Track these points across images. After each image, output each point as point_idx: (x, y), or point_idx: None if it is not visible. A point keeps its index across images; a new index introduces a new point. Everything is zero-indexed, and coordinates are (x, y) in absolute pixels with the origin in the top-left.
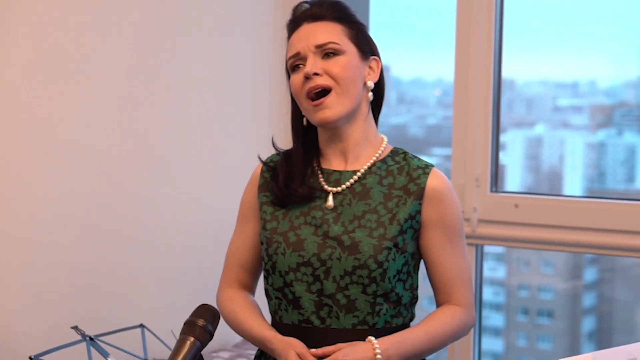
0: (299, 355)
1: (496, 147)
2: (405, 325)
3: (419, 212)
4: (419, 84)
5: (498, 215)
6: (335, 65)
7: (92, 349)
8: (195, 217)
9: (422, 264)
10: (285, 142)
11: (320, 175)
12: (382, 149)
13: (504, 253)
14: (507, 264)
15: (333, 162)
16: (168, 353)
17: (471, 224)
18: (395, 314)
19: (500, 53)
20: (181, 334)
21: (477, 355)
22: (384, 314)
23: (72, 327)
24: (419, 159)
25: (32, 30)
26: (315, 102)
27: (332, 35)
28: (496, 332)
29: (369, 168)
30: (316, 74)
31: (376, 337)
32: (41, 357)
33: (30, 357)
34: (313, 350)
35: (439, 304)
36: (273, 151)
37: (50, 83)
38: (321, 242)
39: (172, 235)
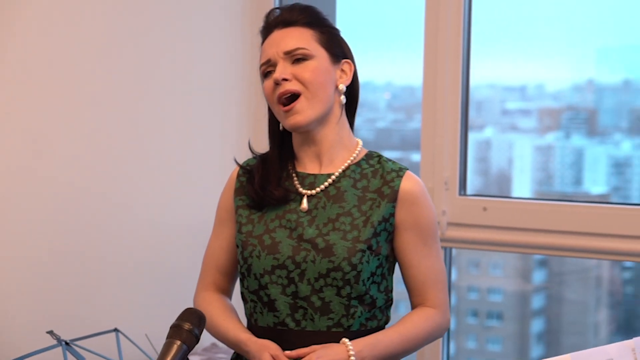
0: (273, 357)
1: (465, 150)
2: (380, 328)
3: (392, 214)
4: (369, 88)
5: (467, 219)
6: (304, 70)
7: (67, 353)
8: (169, 221)
9: (397, 266)
10: (257, 145)
11: (295, 179)
12: (356, 152)
13: (454, 255)
14: (456, 266)
15: (308, 165)
16: (143, 357)
17: (440, 227)
18: (370, 316)
19: (468, 56)
20: (167, 337)
21: (446, 358)
22: (359, 317)
23: (48, 332)
24: (393, 162)
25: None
26: (286, 108)
27: (301, 40)
28: (446, 334)
29: (343, 171)
30: (285, 80)
31: (351, 340)
32: None
33: None
34: (287, 352)
35: (413, 306)
36: (244, 155)
37: (30, 84)
38: (296, 244)
39: (146, 239)
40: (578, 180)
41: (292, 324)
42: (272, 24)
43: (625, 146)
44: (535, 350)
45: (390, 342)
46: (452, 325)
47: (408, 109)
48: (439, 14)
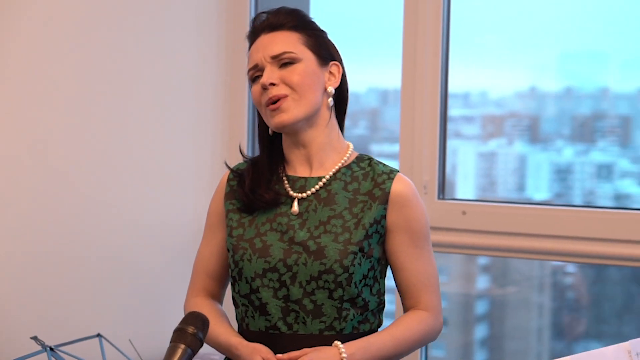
0: None
1: (443, 154)
2: (373, 332)
3: (384, 216)
4: None
5: (446, 222)
6: (292, 73)
7: (52, 359)
8: (152, 226)
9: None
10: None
11: (286, 182)
12: (347, 155)
13: None
14: None
15: (298, 168)
16: None
17: None
18: (362, 320)
19: (447, 62)
20: (171, 341)
21: None
22: (351, 320)
23: (32, 338)
24: (384, 164)
25: None
26: (273, 106)
27: (287, 44)
28: None
29: (334, 174)
30: (272, 84)
31: (343, 343)
32: None
33: None
34: (279, 355)
35: (406, 309)
36: (217, 159)
37: (8, 86)
38: (287, 247)
39: (129, 244)
40: (521, 187)
41: (284, 328)
42: (259, 28)
43: (567, 153)
44: (479, 355)
45: (383, 345)
46: None
47: (352, 115)
48: (417, 23)
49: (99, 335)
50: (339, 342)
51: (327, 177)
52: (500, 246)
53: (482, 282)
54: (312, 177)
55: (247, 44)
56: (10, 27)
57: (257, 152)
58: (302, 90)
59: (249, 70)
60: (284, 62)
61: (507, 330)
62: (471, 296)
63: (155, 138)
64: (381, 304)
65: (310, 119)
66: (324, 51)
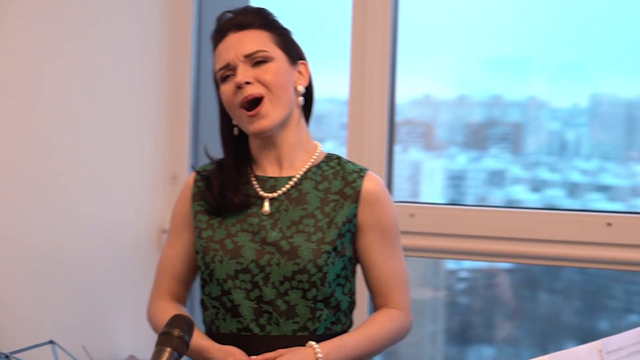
0: None
1: (390, 160)
2: (344, 332)
3: (355, 215)
4: None
5: None
6: (265, 72)
7: None
8: (103, 233)
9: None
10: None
11: (255, 183)
12: (316, 154)
13: None
14: None
15: (267, 168)
16: None
17: None
18: (335, 320)
19: (394, 70)
20: (157, 345)
21: None
22: (325, 320)
23: None
24: (353, 163)
25: None
26: (251, 113)
27: (259, 43)
28: None
29: (305, 173)
30: (248, 83)
31: (316, 343)
32: None
33: None
34: (254, 357)
35: (376, 308)
36: (160, 162)
37: None
38: (259, 248)
39: (81, 251)
40: (415, 193)
41: (256, 329)
42: (226, 27)
43: (461, 159)
44: None
45: (357, 344)
46: None
47: None
48: (366, 31)
49: (51, 342)
50: (313, 342)
51: (298, 176)
52: (449, 248)
53: None
54: (283, 177)
55: (191, 43)
56: None
57: (200, 154)
58: (277, 89)
59: (219, 69)
60: (257, 60)
61: None
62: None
63: (96, 142)
64: (352, 304)
65: (284, 120)
66: (293, 50)
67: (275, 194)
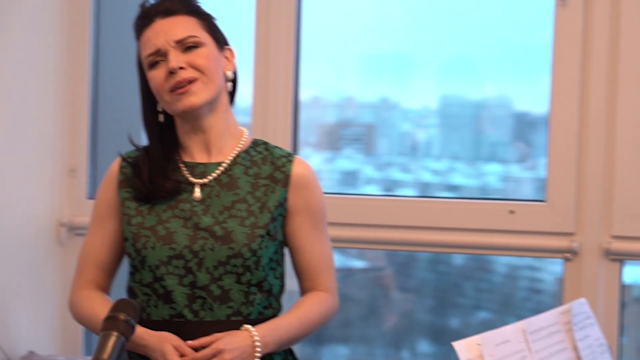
0: (175, 348)
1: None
2: (275, 317)
3: (286, 199)
4: None
5: None
6: (198, 57)
7: None
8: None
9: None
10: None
11: (184, 169)
12: (244, 140)
13: None
14: None
15: (196, 154)
16: None
17: None
18: (267, 305)
19: (297, 73)
20: (102, 330)
21: None
22: (258, 304)
23: None
24: (280, 148)
25: None
26: (182, 90)
27: (189, 28)
28: None
29: (234, 159)
30: (181, 68)
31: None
32: None
33: None
34: (190, 342)
35: (304, 291)
36: (58, 161)
37: None
38: (192, 234)
39: None
40: None
41: (189, 315)
42: (152, 13)
43: (315, 160)
44: None
45: (290, 327)
46: None
47: None
48: (270, 36)
49: None
50: (249, 326)
51: (228, 162)
52: (349, 237)
53: None
54: (212, 163)
55: (89, 33)
56: None
57: (99, 146)
58: (209, 73)
59: (149, 55)
60: (188, 46)
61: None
62: None
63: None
64: (282, 288)
65: (212, 104)
66: (219, 36)
67: (205, 180)
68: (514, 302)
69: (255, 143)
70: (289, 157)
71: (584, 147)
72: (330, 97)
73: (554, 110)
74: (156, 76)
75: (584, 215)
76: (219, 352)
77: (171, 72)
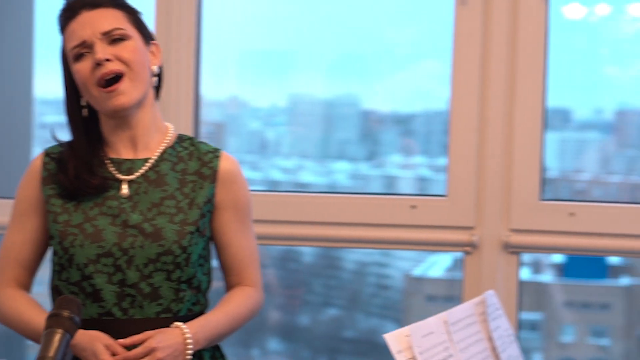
0: (106, 347)
1: None
2: (203, 313)
3: (214, 194)
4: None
5: None
6: (124, 50)
7: None
8: None
9: None
10: None
11: (110, 165)
12: (169, 135)
13: None
14: None
15: (122, 151)
16: None
17: None
18: (195, 301)
19: (198, 70)
20: (46, 328)
21: None
22: (187, 301)
23: None
24: (206, 143)
25: None
26: (110, 89)
27: (116, 21)
28: None
29: (161, 155)
30: (108, 60)
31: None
32: None
33: None
34: (121, 340)
35: (230, 286)
36: None
37: None
38: (121, 231)
39: None
40: None
41: (118, 313)
42: (78, 5)
43: None
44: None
45: (219, 323)
46: None
47: None
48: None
49: None
50: (180, 323)
51: (155, 158)
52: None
53: None
54: (139, 159)
55: None
56: None
57: None
58: (137, 67)
59: (74, 47)
60: (115, 38)
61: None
62: None
63: None
64: (209, 284)
65: (141, 99)
66: (145, 30)
67: (133, 177)
68: (362, 298)
69: (181, 138)
70: (215, 153)
71: (483, 143)
72: None
73: (454, 107)
74: (82, 69)
75: (484, 209)
76: (151, 351)
77: (97, 64)
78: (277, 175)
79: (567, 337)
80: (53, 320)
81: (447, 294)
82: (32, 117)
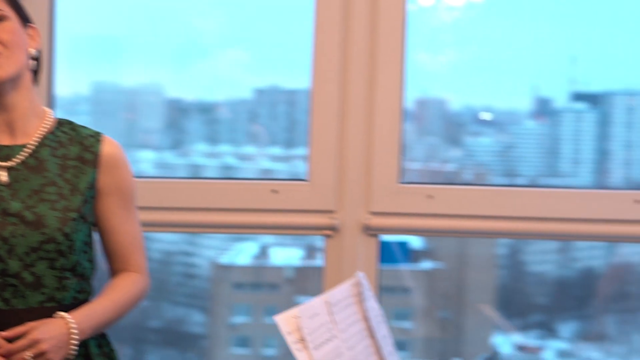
0: None
1: None
2: (88, 300)
3: (96, 179)
4: None
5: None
6: (2, 30)
7: None
8: None
9: None
10: None
11: None
12: (48, 120)
13: None
14: None
15: None
16: None
17: None
18: (80, 289)
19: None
20: None
21: None
22: (71, 289)
23: None
24: (87, 127)
25: None
26: None
27: None
28: None
29: (40, 140)
30: None
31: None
32: None
33: None
34: (3, 332)
35: (114, 272)
36: None
37: None
38: (1, 220)
39: None
40: None
41: (0, 304)
42: None
43: None
44: None
45: (105, 310)
46: None
47: None
48: None
49: None
50: (64, 313)
51: (34, 143)
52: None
53: None
54: (17, 145)
55: None
56: None
57: None
58: (14, 47)
59: None
60: None
61: None
62: None
63: None
64: (94, 271)
65: (15, 81)
66: (23, 12)
67: (12, 163)
68: (168, 287)
69: (60, 123)
70: (97, 137)
71: (344, 127)
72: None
73: (315, 92)
74: None
75: (344, 193)
76: (35, 343)
77: None
78: None
79: None
80: None
81: (254, 281)
82: None
